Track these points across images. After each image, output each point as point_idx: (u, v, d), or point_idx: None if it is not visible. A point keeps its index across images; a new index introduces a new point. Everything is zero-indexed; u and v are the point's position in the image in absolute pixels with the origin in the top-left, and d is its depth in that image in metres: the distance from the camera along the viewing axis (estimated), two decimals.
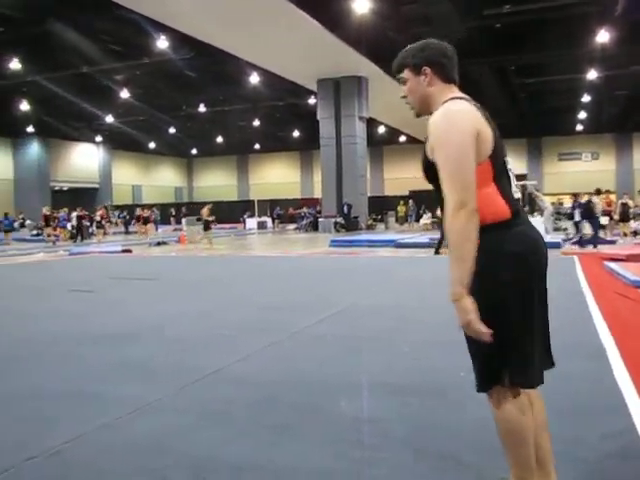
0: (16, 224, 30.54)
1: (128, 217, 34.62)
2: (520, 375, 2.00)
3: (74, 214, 24.44)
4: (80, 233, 24.41)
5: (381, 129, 39.59)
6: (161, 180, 54.55)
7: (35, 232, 28.80)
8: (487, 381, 2.04)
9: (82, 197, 41.83)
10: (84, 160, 45.39)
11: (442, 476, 2.60)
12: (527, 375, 2.01)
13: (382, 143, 45.62)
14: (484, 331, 1.88)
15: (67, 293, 9.12)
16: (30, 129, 38.60)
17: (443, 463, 2.71)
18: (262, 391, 3.87)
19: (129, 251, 17.60)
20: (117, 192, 47.63)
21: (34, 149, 41.56)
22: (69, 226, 24.72)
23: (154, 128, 40.66)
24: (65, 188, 43.81)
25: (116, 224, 36.44)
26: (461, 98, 2.08)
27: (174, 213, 40.93)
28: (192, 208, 39.01)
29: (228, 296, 8.41)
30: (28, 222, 33.06)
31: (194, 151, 53.90)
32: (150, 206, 40.64)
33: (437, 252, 14.09)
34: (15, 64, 24.17)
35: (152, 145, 48.31)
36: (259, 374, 4.28)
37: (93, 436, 3.17)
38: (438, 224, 16.53)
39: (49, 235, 23.97)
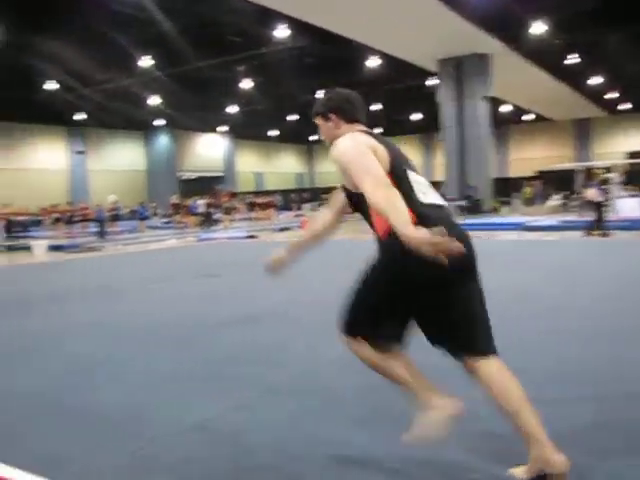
0: (148, 212, 32.43)
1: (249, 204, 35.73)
2: (486, 342, 2.46)
3: (201, 202, 25.63)
4: (208, 220, 25.58)
5: (506, 108, 38.30)
6: (282, 167, 55.82)
7: (165, 220, 30.50)
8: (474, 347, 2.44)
9: (207, 185, 43.68)
10: (209, 150, 47.28)
11: None
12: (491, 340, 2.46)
13: (507, 122, 44.12)
14: (455, 243, 2.07)
15: (197, 278, 9.62)
16: (159, 122, 40.76)
17: None
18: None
19: (254, 237, 18.20)
20: (240, 179, 49.30)
21: (163, 141, 43.87)
22: (197, 213, 25.98)
23: (275, 116, 41.57)
24: (193, 177, 45.87)
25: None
26: (360, 131, 2.54)
27: (295, 199, 41.78)
28: (314, 194, 39.68)
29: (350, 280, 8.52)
30: (160, 211, 35.02)
31: (313, 137, 54.65)
32: (271, 192, 41.86)
33: (590, 233, 13.97)
34: (146, 62, 25.54)
35: (273, 133, 49.51)
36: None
37: (232, 414, 3.40)
38: (585, 204, 16.11)
39: (178, 222, 25.31)
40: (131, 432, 3.21)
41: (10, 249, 18.74)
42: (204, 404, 3.59)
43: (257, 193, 41.21)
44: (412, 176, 2.48)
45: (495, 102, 30.85)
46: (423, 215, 2.33)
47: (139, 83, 29.14)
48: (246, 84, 30.61)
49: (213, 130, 45.89)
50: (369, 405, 3.45)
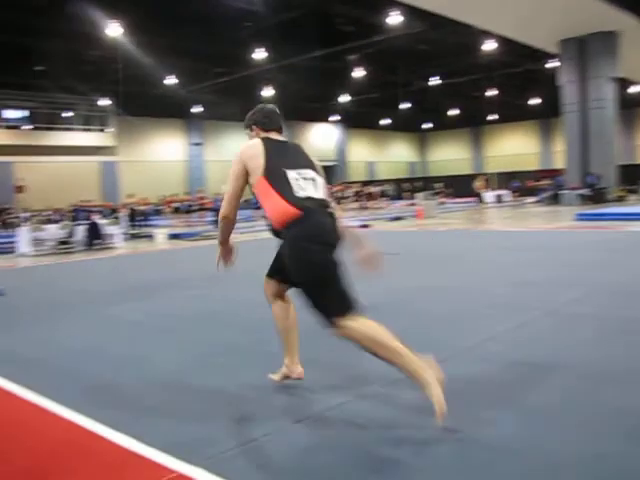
0: None
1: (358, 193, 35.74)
2: (345, 307, 3.02)
3: None
4: None
5: (635, 89, 36.02)
6: (394, 156, 55.48)
7: None
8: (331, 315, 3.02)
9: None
10: (321, 139, 47.78)
11: None
12: (350, 304, 3.04)
13: (636, 105, 41.53)
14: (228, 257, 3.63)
15: None
16: None
17: None
18: (513, 371, 3.80)
19: (368, 226, 18.20)
20: (352, 169, 49.49)
21: None
22: None
23: (387, 104, 41.33)
24: None
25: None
26: (263, 138, 3.36)
27: (408, 188, 41.39)
28: (426, 182, 39.17)
29: (472, 271, 8.33)
30: None
31: (427, 125, 53.97)
32: (382, 182, 41.72)
33: None
34: (260, 54, 26.06)
35: (385, 121, 49.29)
36: (509, 354, 4.20)
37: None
38: None
39: None
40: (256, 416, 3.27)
41: (133, 237, 19.76)
42: (328, 395, 3.60)
43: (369, 183, 41.17)
44: (291, 174, 3.15)
45: (623, 83, 29.09)
46: (297, 205, 3.03)
47: (253, 75, 29.82)
48: (358, 73, 30.58)
49: (325, 120, 46.33)
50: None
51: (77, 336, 5.60)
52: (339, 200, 25.89)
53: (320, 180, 3.28)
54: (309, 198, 3.09)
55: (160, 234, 19.40)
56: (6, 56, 23.37)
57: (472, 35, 24.50)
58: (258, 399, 3.54)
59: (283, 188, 3.08)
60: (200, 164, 41.40)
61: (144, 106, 34.12)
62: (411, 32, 23.92)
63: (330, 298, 3.02)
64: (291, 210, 3.02)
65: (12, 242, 16.74)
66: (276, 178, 3.12)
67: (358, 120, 46.78)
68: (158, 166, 38.72)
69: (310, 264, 3.02)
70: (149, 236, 18.99)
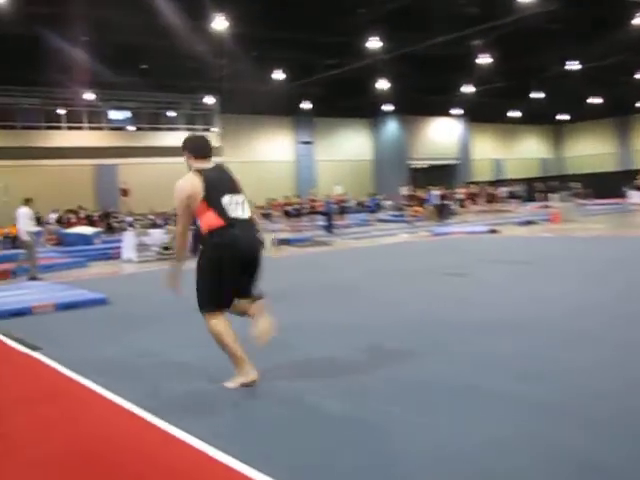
0: (378, 205, 33.28)
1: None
2: (214, 305, 4.33)
3: (436, 192, 25.71)
4: (442, 212, 25.55)
5: None
6: (525, 152, 53.84)
7: (395, 213, 31.06)
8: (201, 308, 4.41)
9: (439, 174, 43.64)
10: (441, 135, 47.17)
11: None
12: (218, 305, 4.33)
13: None
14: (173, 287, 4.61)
15: (439, 276, 9.56)
16: (388, 107, 41.53)
17: None
18: None
19: (496, 231, 17.82)
20: (477, 168, 48.50)
21: (392, 128, 44.65)
22: (431, 205, 26.09)
23: (516, 94, 40.18)
24: (424, 166, 46.07)
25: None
26: (197, 169, 4.45)
27: (541, 188, 40.02)
28: (562, 182, 37.73)
29: (623, 283, 7.93)
30: (389, 202, 35.71)
31: (562, 117, 52.00)
32: (511, 181, 40.54)
33: None
34: (374, 43, 26.07)
35: (514, 113, 47.92)
36: None
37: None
38: None
39: (411, 215, 25.66)
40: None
41: None
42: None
43: (495, 182, 40.20)
44: (225, 199, 4.37)
45: None
46: (229, 223, 4.31)
47: (367, 67, 29.88)
48: (483, 60, 29.85)
49: (446, 114, 45.69)
50: None
51: (185, 347, 5.78)
52: (463, 202, 25.39)
53: (246, 202, 4.54)
54: (236, 218, 4.38)
55: (268, 239, 19.81)
56: (114, 55, 24.64)
57: (619, 9, 23.34)
58: None
59: (217, 209, 4.34)
60: (310, 164, 42.02)
61: (250, 103, 34.89)
62: (545, 10, 23.12)
63: (208, 292, 4.35)
64: (219, 222, 4.32)
65: (117, 247, 17.63)
66: (213, 202, 4.35)
67: (483, 113, 45.69)
68: (265, 167, 39.56)
69: (210, 260, 4.33)
70: None
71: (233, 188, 4.50)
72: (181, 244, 4.59)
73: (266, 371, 4.50)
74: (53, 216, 25.94)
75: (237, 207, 4.39)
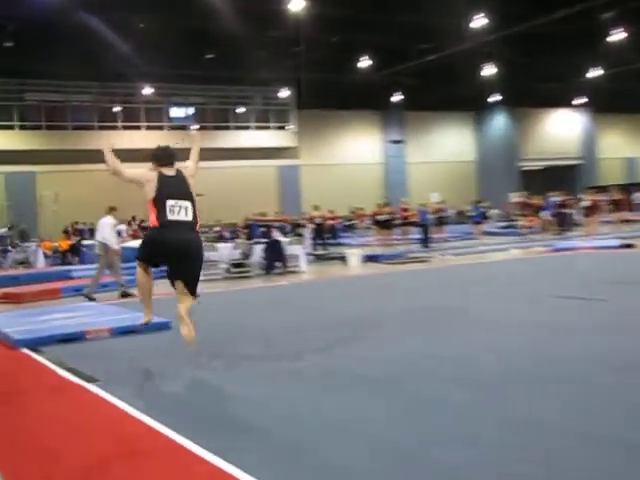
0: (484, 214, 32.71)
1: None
2: (140, 257, 6.77)
3: (555, 199, 25.22)
4: (563, 223, 24.97)
5: None
6: None
7: (504, 223, 30.52)
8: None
9: (558, 177, 42.49)
10: (560, 130, 46.26)
11: None
12: (142, 259, 6.74)
13: None
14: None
15: (569, 300, 9.26)
16: (494, 98, 40.76)
17: None
18: None
19: (631, 246, 17.37)
20: (605, 168, 47.14)
21: (499, 122, 44.02)
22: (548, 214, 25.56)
23: None
24: (539, 167, 45.10)
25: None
26: (159, 172, 6.41)
27: None
28: None
29: None
30: (496, 212, 35.08)
31: None
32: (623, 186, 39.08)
33: None
34: (478, 22, 25.74)
35: None
36: None
37: None
38: None
39: (524, 227, 25.20)
40: None
41: (318, 258, 20.31)
42: None
43: (628, 186, 38.94)
44: (169, 202, 6.19)
45: None
46: (164, 225, 6.19)
47: (468, 51, 29.55)
48: (615, 37, 28.93)
49: (566, 104, 44.71)
50: None
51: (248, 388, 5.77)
52: (589, 211, 24.78)
53: (191, 207, 6.34)
54: (172, 220, 6.20)
55: (352, 255, 19.74)
56: (175, 44, 25.02)
57: None
58: None
59: (159, 210, 6.20)
60: (400, 167, 41.90)
61: (330, 97, 34.90)
62: None
63: (141, 250, 6.73)
64: (155, 224, 6.27)
65: None
66: (158, 203, 6.21)
67: (612, 102, 44.29)
68: (347, 170, 39.56)
69: (147, 236, 7.01)
70: (341, 257, 19.36)
71: (182, 194, 6.34)
72: (111, 161, 6.51)
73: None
74: (123, 227, 24.80)
75: (180, 210, 6.26)
